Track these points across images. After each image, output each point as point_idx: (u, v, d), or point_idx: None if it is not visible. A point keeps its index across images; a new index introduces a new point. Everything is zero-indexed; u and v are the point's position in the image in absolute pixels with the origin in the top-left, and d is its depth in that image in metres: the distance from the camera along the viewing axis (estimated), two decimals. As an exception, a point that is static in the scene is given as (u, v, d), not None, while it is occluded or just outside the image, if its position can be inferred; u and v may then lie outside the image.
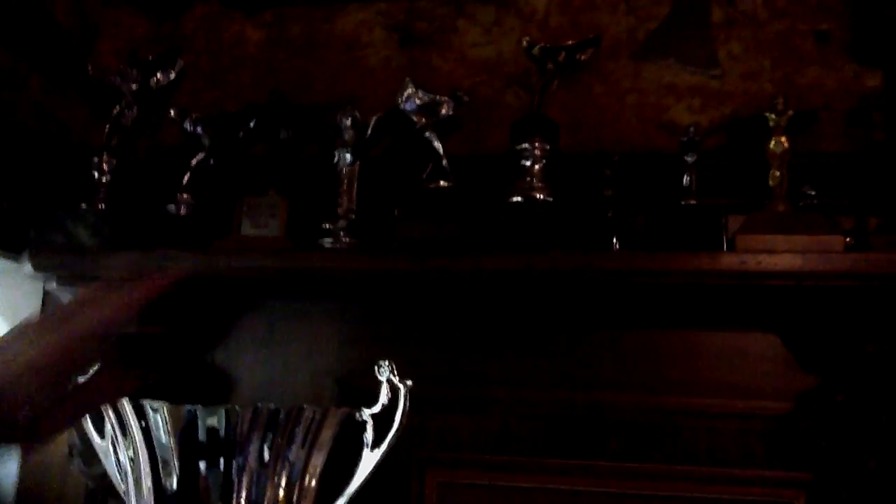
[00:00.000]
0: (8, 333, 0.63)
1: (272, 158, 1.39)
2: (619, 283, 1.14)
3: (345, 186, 1.27)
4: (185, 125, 1.37)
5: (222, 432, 1.08)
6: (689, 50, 1.38)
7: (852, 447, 1.11)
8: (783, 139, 1.21)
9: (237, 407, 1.09)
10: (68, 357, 0.62)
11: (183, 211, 1.33)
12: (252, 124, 1.40)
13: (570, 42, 1.31)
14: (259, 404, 1.08)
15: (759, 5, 1.37)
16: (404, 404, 1.13)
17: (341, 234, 1.24)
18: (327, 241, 1.23)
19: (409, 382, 1.13)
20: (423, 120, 1.30)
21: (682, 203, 1.20)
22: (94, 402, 0.71)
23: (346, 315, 1.33)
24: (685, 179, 1.22)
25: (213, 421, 1.09)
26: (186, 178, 1.35)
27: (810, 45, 1.35)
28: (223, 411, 1.08)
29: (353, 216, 1.26)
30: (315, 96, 1.45)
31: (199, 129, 1.38)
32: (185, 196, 1.33)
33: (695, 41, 1.39)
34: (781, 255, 1.10)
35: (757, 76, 1.36)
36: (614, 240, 1.18)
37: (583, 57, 1.33)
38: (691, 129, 1.22)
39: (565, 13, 1.43)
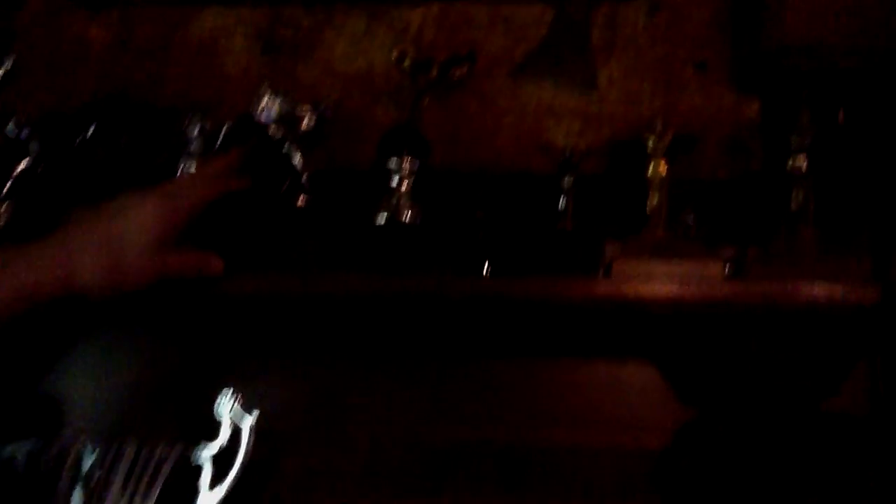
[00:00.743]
0: None
1: (111, 166, 1.23)
2: (489, 310, 1.04)
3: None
4: (7, 129, 1.20)
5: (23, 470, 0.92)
6: (568, 72, 1.32)
7: (733, 482, 1.04)
8: (662, 163, 1.15)
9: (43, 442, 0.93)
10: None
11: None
12: (92, 129, 1.24)
13: (444, 57, 1.23)
14: (70, 438, 0.92)
15: (640, 31, 1.33)
16: (248, 440, 1.00)
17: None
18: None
19: (256, 413, 1.00)
20: (282, 132, 1.18)
21: (559, 227, 1.12)
22: None
23: (190, 338, 1.18)
24: (562, 203, 1.14)
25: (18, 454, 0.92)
26: (7, 187, 1.18)
27: (690, 72, 1.31)
28: (25, 448, 0.92)
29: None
30: (166, 102, 1.31)
31: (25, 133, 1.21)
32: (2, 207, 1.16)
33: (574, 63, 1.33)
34: (659, 282, 1.02)
35: (637, 100, 1.30)
36: (486, 264, 1.09)
37: (457, 73, 1.25)
38: (568, 150, 1.15)
39: (441, 29, 1.35)
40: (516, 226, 1.17)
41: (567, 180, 1.15)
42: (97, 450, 0.92)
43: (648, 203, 1.13)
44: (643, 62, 1.32)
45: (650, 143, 1.15)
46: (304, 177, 1.17)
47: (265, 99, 1.17)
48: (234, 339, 1.15)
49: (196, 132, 1.15)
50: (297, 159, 1.17)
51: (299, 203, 1.15)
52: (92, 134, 1.24)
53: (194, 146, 1.15)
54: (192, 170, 1.14)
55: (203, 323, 1.11)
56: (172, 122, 1.22)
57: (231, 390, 1.00)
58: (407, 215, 1.12)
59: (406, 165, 1.15)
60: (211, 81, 1.33)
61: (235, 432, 1.02)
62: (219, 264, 0.97)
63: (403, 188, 1.14)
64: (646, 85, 1.31)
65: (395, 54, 1.21)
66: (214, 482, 1.00)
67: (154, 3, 1.36)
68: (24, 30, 1.37)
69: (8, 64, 1.26)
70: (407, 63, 1.21)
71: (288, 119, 1.18)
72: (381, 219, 1.13)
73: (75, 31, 1.36)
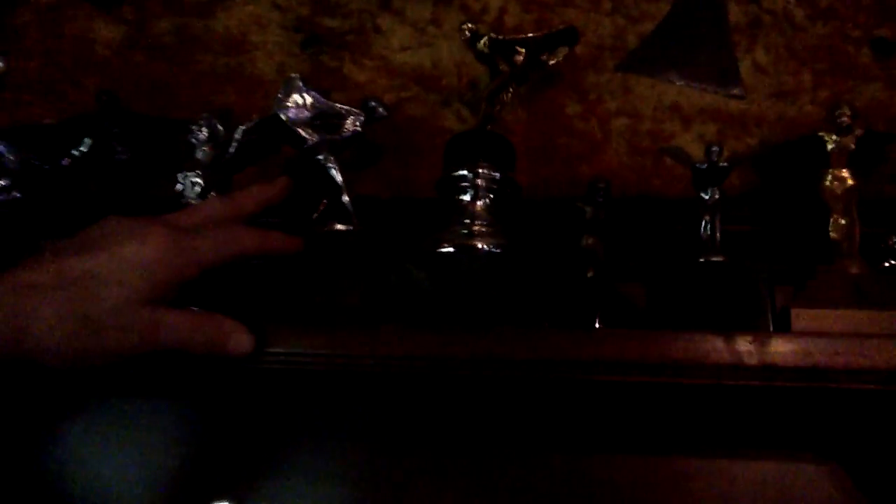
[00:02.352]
0: None
1: (104, 188, 0.96)
2: (598, 380, 0.70)
3: (190, 226, 0.84)
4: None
5: None
6: (698, 60, 1.00)
7: None
8: (845, 174, 0.81)
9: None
10: None
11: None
12: (86, 146, 0.97)
13: (533, 34, 0.92)
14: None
15: (794, 3, 1.00)
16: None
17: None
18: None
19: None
20: (317, 136, 0.88)
21: (703, 260, 0.78)
22: None
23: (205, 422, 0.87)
24: (704, 227, 0.80)
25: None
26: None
27: (866, 55, 0.97)
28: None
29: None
30: (180, 111, 1.04)
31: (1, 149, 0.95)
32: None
33: (706, 49, 1.00)
34: (866, 340, 0.67)
35: (795, 96, 0.97)
36: (596, 314, 0.75)
37: (552, 59, 0.94)
38: (714, 148, 0.81)
39: (528, 9, 1.04)
40: (638, 259, 0.83)
41: (709, 194, 0.81)
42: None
43: (832, 227, 0.79)
44: (800, 44, 0.98)
45: (830, 143, 0.81)
46: (347, 198, 0.87)
47: (295, 93, 0.88)
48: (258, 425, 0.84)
49: (204, 136, 0.87)
50: (338, 174, 0.87)
51: (338, 229, 0.85)
52: (86, 151, 0.97)
53: (201, 154, 0.86)
54: (196, 188, 0.85)
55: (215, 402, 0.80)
56: (181, 133, 0.93)
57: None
58: (483, 242, 0.80)
59: (482, 177, 0.83)
60: (238, 84, 1.06)
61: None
62: (243, 341, 0.69)
63: (478, 206, 0.83)
64: (805, 75, 0.97)
65: (466, 33, 0.91)
66: None
67: (172, -10, 1.10)
68: (23, 27, 1.12)
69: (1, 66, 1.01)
70: (483, 44, 0.90)
71: (326, 121, 0.89)
72: (449, 246, 0.81)
73: (79, 28, 1.11)
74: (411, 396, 0.78)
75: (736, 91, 0.98)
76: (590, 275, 0.76)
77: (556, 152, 0.98)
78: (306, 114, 0.88)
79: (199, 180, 0.85)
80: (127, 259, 0.65)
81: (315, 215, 0.87)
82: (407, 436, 0.78)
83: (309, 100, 0.88)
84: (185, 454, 0.81)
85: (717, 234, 0.79)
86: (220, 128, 0.88)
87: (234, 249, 0.71)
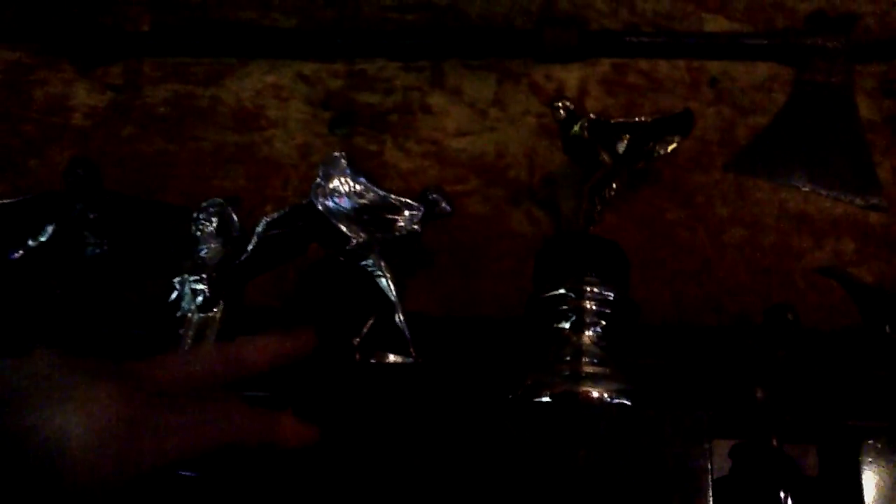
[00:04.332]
0: None
1: (69, 291, 0.72)
2: None
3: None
4: None
5: None
6: (826, 161, 0.81)
7: None
8: None
9: None
10: None
11: None
12: (46, 235, 0.74)
13: (641, 118, 0.73)
14: None
15: (938, 98, 0.83)
16: None
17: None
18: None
19: None
20: (364, 235, 0.66)
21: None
22: None
23: None
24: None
25: None
26: None
27: None
28: None
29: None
30: (175, 198, 0.81)
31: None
32: None
33: (836, 148, 0.82)
34: None
35: (951, 208, 0.78)
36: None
37: (660, 150, 0.74)
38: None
39: (613, 92, 0.85)
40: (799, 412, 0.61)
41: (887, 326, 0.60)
42: None
43: None
44: (952, 146, 0.81)
45: None
46: (401, 318, 0.64)
47: (337, 177, 0.67)
48: None
49: (212, 228, 0.64)
50: (390, 286, 0.65)
51: (392, 360, 0.62)
52: (45, 241, 0.74)
53: (206, 252, 0.63)
54: (198, 297, 0.61)
55: None
56: (178, 222, 0.71)
57: None
58: (598, 389, 0.57)
59: (591, 297, 0.61)
60: (249, 168, 0.84)
61: None
62: None
63: (586, 338, 0.60)
64: (962, 182, 0.79)
65: (560, 112, 0.71)
66: None
67: (175, 52, 0.90)
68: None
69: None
70: (580, 127, 0.71)
71: (377, 216, 0.67)
72: (547, 393, 0.58)
73: (52, 93, 0.90)
74: None
75: (875, 201, 0.79)
76: (772, 443, 0.53)
77: (657, 267, 0.77)
78: (351, 204, 0.66)
79: (202, 287, 0.62)
80: (46, 438, 0.40)
81: (357, 340, 0.64)
82: None
83: (357, 187, 0.66)
84: None
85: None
86: (234, 217, 0.66)
87: (222, 437, 0.45)
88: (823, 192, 0.79)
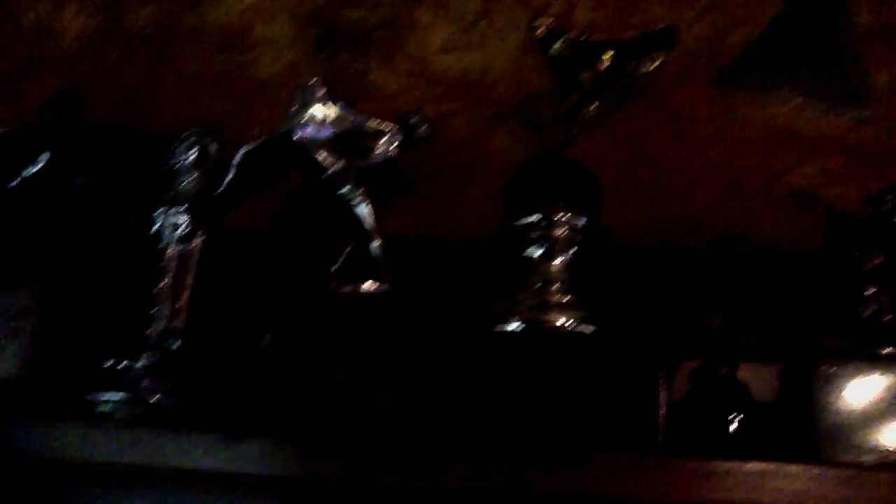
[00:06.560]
0: None
1: (57, 221, 0.75)
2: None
3: (167, 283, 0.63)
4: None
5: None
6: (817, 75, 0.79)
7: None
8: None
9: None
10: None
11: None
12: (41, 162, 0.76)
13: (630, 34, 0.71)
14: None
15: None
16: None
17: (143, 382, 0.58)
18: (105, 399, 0.57)
19: None
20: (340, 164, 0.67)
21: (871, 352, 0.57)
22: None
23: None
24: (864, 300, 0.59)
25: None
26: None
27: None
28: None
29: (176, 343, 0.61)
30: (161, 122, 0.82)
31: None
32: None
33: (827, 62, 0.80)
34: None
35: (946, 121, 0.76)
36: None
37: (643, 68, 0.73)
38: (888, 196, 0.60)
39: (603, 4, 0.83)
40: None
41: (869, 260, 0.60)
42: None
43: None
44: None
45: None
46: (377, 246, 0.66)
47: (316, 103, 0.67)
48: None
49: (191, 160, 0.65)
50: (368, 214, 0.66)
51: (367, 289, 0.64)
52: (40, 168, 0.75)
53: (186, 183, 0.65)
54: (179, 229, 0.63)
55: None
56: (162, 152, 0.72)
57: None
58: (562, 317, 0.59)
59: (561, 225, 0.62)
60: (235, 91, 0.85)
61: None
62: None
63: (554, 265, 0.62)
64: (958, 95, 0.77)
65: (539, 29, 0.70)
66: None
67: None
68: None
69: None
70: (559, 46, 0.69)
71: (354, 142, 0.68)
72: (514, 323, 0.60)
73: (38, 18, 0.90)
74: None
75: (867, 114, 0.77)
76: (723, 371, 0.54)
77: (637, 187, 0.77)
78: (328, 132, 0.67)
79: (182, 218, 0.64)
80: None
81: (334, 268, 0.66)
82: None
83: (332, 113, 0.67)
84: None
85: (886, 315, 0.58)
86: (213, 148, 0.67)
87: None
88: (813, 107, 0.78)
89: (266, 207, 0.77)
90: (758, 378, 0.60)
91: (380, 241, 0.66)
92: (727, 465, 0.49)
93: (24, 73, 0.88)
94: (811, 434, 0.55)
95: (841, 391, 0.55)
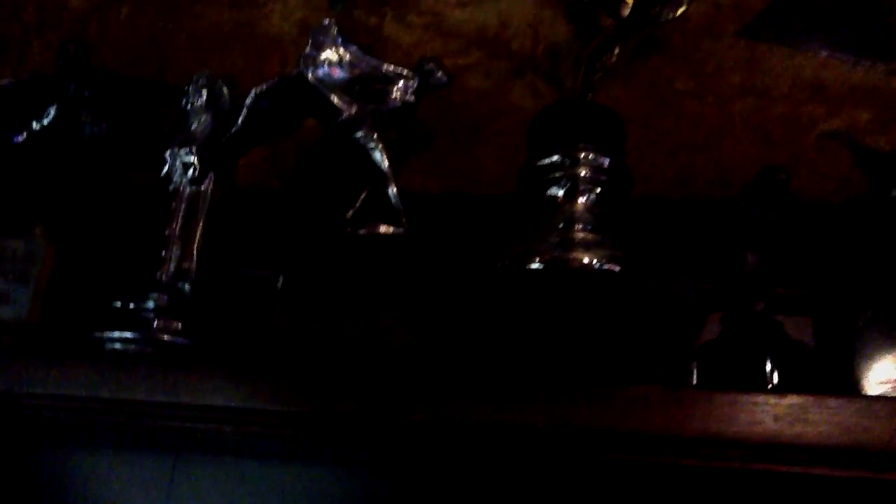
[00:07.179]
0: None
1: (69, 171, 0.73)
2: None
3: (177, 226, 0.61)
4: None
5: None
6: (843, 26, 0.77)
7: None
8: None
9: None
10: None
11: None
12: (49, 115, 0.74)
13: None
14: None
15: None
16: None
17: (154, 321, 0.56)
18: (116, 337, 0.55)
19: None
20: (356, 107, 0.65)
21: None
22: None
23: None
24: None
25: None
26: None
27: None
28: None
29: (189, 284, 0.59)
30: (173, 78, 0.81)
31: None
32: None
33: (853, 11, 0.77)
34: None
35: (978, 72, 0.74)
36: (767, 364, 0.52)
37: (667, 14, 0.71)
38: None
39: (624, -42, 0.81)
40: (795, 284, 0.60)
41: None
42: None
43: None
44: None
45: None
46: (394, 190, 0.63)
47: (330, 47, 0.65)
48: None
49: (202, 101, 0.63)
50: (383, 158, 0.64)
51: (382, 231, 0.61)
52: (48, 123, 0.74)
53: (197, 125, 0.63)
54: (189, 171, 0.61)
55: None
56: (173, 102, 0.70)
57: None
58: (588, 255, 0.57)
59: (584, 164, 0.60)
60: (247, 45, 0.83)
61: None
62: None
63: (578, 204, 0.59)
64: None
65: (559, -25, 0.68)
66: None
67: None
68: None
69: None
70: (579, -8, 0.67)
71: (369, 87, 0.66)
72: (537, 260, 0.57)
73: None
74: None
75: (897, 66, 0.75)
76: (759, 308, 0.52)
77: (662, 139, 0.75)
78: (343, 75, 0.65)
79: (192, 159, 0.62)
80: None
81: (351, 212, 0.64)
82: None
83: (347, 56, 0.65)
84: None
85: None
86: (224, 90, 0.65)
87: None
88: (841, 58, 0.76)
89: (277, 164, 0.76)
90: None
91: (395, 186, 0.64)
92: (765, 398, 0.46)
93: (32, 33, 0.86)
94: (849, 376, 0.52)
95: (880, 339, 0.53)
